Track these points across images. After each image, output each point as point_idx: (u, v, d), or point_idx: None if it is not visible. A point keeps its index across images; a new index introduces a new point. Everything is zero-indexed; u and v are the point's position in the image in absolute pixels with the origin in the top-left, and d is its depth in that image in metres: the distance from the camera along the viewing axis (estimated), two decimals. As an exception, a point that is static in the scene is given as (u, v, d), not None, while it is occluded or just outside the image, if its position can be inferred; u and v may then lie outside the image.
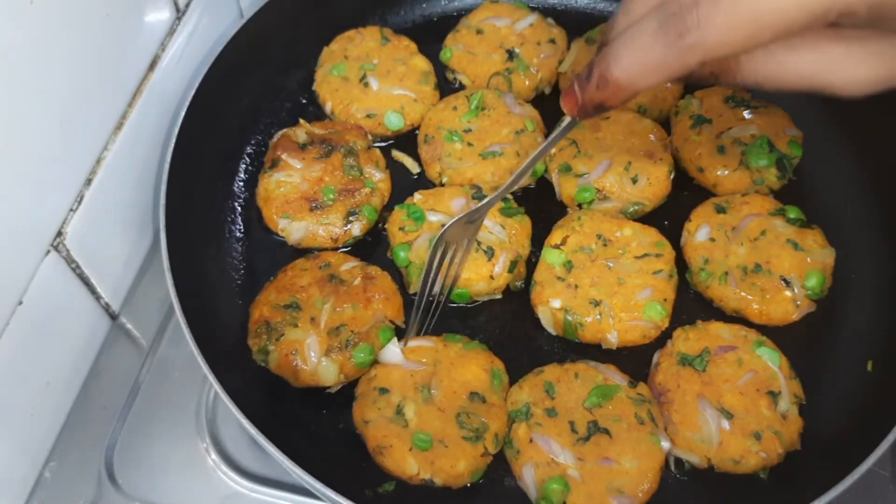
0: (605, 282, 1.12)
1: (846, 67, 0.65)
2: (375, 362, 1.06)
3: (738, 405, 1.01)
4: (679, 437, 1.01)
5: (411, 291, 1.15)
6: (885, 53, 0.64)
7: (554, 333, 1.13)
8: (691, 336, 1.08)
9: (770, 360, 1.05)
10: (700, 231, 1.17)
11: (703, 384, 1.04)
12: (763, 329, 1.10)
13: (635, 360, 1.10)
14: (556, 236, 1.17)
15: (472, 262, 1.12)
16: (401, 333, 1.10)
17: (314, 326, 1.06)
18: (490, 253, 1.13)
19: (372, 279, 1.11)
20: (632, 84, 0.69)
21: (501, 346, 1.12)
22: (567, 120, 0.86)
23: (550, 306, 1.10)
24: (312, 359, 1.04)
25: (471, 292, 1.13)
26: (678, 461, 1.02)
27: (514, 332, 1.14)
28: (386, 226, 1.20)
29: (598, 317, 1.09)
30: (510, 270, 1.13)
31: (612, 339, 1.09)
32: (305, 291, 1.10)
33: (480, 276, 1.12)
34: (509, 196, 1.22)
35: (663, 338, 1.11)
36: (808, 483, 0.93)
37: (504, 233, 1.15)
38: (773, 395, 1.02)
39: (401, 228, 1.17)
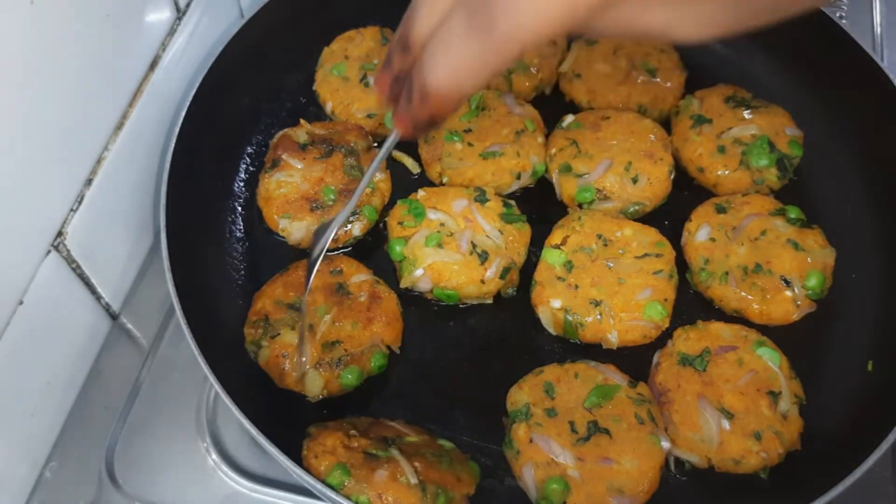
0: (605, 282, 1.12)
1: (686, 24, 0.60)
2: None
3: (739, 405, 1.01)
4: (679, 437, 1.01)
5: (402, 286, 1.15)
6: (717, 12, 0.61)
7: (554, 333, 1.13)
8: (692, 336, 1.08)
9: (771, 360, 1.05)
10: (700, 231, 1.17)
11: (704, 384, 1.04)
12: (763, 329, 1.10)
13: (635, 360, 1.10)
14: (556, 236, 1.16)
15: (465, 264, 1.12)
16: (393, 358, 1.09)
17: (310, 335, 1.06)
18: (484, 257, 1.12)
19: (378, 299, 1.10)
20: (456, 90, 0.62)
21: (501, 346, 1.12)
22: (393, 135, 0.78)
23: (551, 306, 1.10)
24: (301, 367, 1.04)
25: (460, 294, 1.13)
26: (678, 461, 1.02)
27: (513, 332, 1.14)
28: (386, 219, 1.20)
29: (599, 317, 1.09)
30: (502, 277, 1.13)
31: (613, 339, 1.09)
32: (311, 294, 1.09)
33: (471, 279, 1.12)
34: (512, 202, 1.21)
35: (664, 338, 1.11)
36: (809, 483, 0.93)
37: (501, 238, 1.15)
38: (774, 395, 1.02)
39: (400, 223, 1.17)
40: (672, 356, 1.07)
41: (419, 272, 1.12)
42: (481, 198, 1.19)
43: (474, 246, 1.14)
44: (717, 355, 1.06)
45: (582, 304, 1.10)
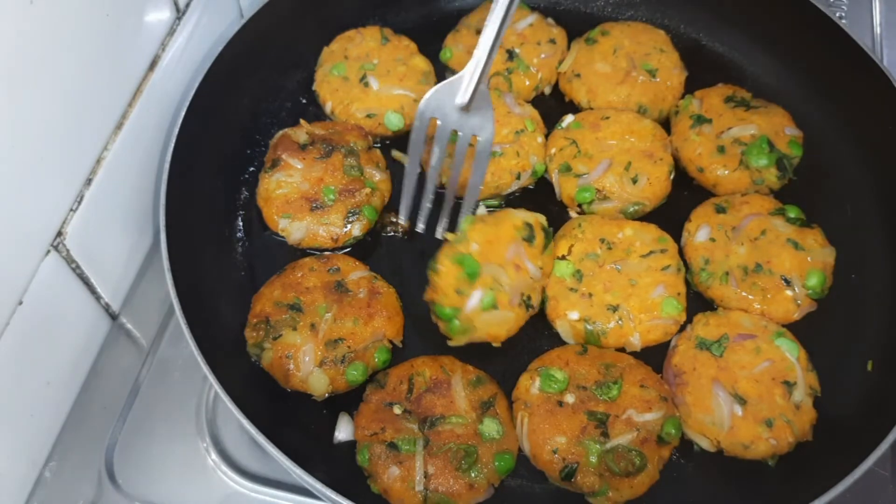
0: (617, 285, 1.11)
1: None
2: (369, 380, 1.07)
3: (753, 392, 1.02)
4: (691, 419, 1.02)
5: (451, 345, 1.07)
6: None
7: (574, 343, 1.12)
8: (711, 322, 1.09)
9: (789, 350, 1.05)
10: (700, 231, 1.17)
11: (719, 369, 1.04)
12: (763, 329, 1.10)
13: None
14: (560, 247, 1.16)
15: (514, 317, 1.07)
16: (396, 353, 1.10)
17: (313, 335, 1.06)
18: (528, 303, 1.09)
19: (377, 294, 1.11)
20: None
21: (502, 345, 1.12)
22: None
23: (569, 319, 1.10)
24: (305, 366, 1.04)
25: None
26: (686, 444, 1.02)
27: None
28: (432, 271, 1.03)
29: (619, 322, 1.09)
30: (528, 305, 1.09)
31: (636, 342, 1.09)
32: (310, 294, 1.10)
33: (515, 326, 1.08)
34: (549, 228, 1.13)
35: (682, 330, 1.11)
36: (815, 476, 0.94)
37: (540, 273, 1.10)
38: (789, 385, 1.02)
39: (457, 291, 1.03)
40: (690, 340, 1.08)
41: (473, 334, 1.06)
42: (529, 237, 1.09)
43: (522, 296, 1.08)
44: (735, 342, 1.06)
45: (599, 311, 1.10)
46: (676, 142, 1.28)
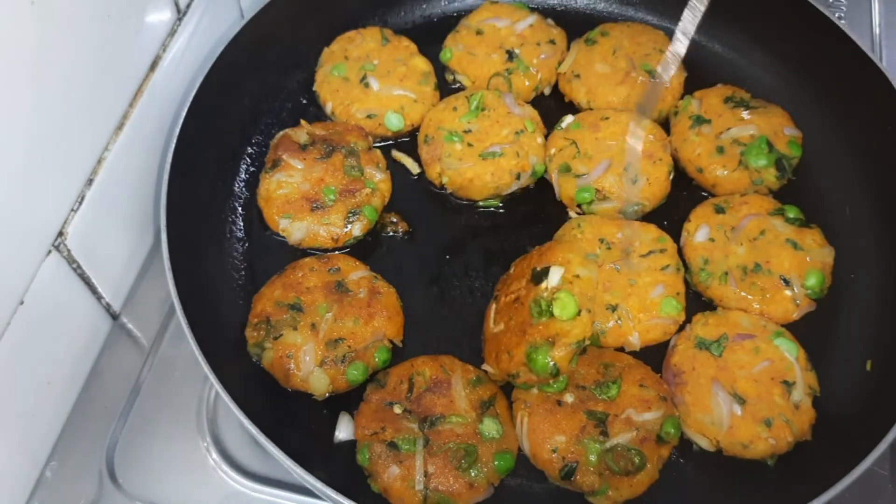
0: (616, 285, 1.12)
1: None
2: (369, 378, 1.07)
3: (752, 391, 1.02)
4: (690, 419, 1.02)
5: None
6: None
7: None
8: (710, 321, 1.09)
9: (788, 350, 1.05)
10: (699, 231, 1.18)
11: (719, 369, 1.04)
12: (763, 329, 1.10)
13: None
14: (559, 247, 1.16)
15: None
16: (396, 353, 1.10)
17: (313, 334, 1.06)
18: None
19: (377, 294, 1.11)
20: None
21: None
22: None
23: None
24: (306, 366, 1.04)
25: None
26: (685, 444, 1.03)
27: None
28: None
29: (618, 321, 1.09)
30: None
31: (635, 342, 1.10)
32: (311, 294, 1.10)
33: None
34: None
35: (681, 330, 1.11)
36: (814, 476, 0.94)
37: None
38: (788, 385, 1.03)
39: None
40: (689, 339, 1.08)
41: None
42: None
43: None
44: (735, 342, 1.06)
45: (598, 310, 1.10)
46: (676, 142, 1.28)
